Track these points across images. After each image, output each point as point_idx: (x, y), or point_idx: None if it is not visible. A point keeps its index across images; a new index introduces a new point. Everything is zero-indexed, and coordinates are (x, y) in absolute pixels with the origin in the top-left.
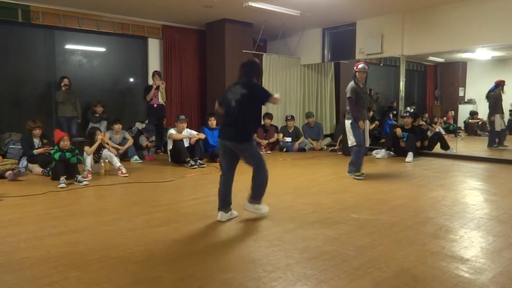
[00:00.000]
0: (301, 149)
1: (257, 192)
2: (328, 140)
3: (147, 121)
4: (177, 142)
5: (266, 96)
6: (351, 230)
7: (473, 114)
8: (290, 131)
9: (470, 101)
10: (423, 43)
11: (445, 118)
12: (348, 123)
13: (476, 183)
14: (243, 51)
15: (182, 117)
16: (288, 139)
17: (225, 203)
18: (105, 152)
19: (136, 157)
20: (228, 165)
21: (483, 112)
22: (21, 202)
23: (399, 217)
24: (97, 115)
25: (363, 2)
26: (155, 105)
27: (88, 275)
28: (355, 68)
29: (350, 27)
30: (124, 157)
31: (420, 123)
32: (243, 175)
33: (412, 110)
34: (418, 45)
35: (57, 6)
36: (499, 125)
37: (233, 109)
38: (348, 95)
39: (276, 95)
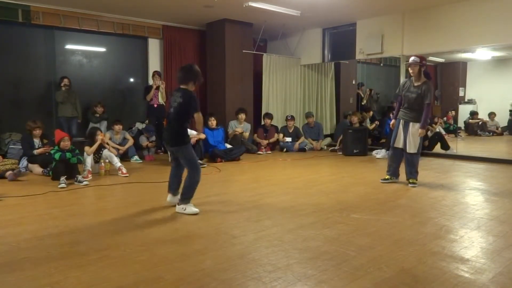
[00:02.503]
0: (301, 149)
1: (186, 193)
2: (328, 140)
3: (147, 121)
4: None
5: (195, 111)
6: (351, 230)
7: (473, 114)
8: (290, 131)
9: (470, 101)
10: (423, 43)
11: (445, 118)
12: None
13: (476, 183)
14: (243, 51)
15: None
16: (288, 139)
17: (172, 187)
18: (105, 152)
19: (136, 157)
20: (173, 157)
21: (483, 112)
22: (21, 202)
23: (399, 217)
24: (97, 115)
25: (363, 2)
26: (155, 105)
27: (88, 275)
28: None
29: (350, 27)
30: (124, 157)
31: None
32: (244, 175)
33: None
34: (418, 45)
35: (57, 6)
36: None
37: (171, 114)
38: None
39: (200, 122)
